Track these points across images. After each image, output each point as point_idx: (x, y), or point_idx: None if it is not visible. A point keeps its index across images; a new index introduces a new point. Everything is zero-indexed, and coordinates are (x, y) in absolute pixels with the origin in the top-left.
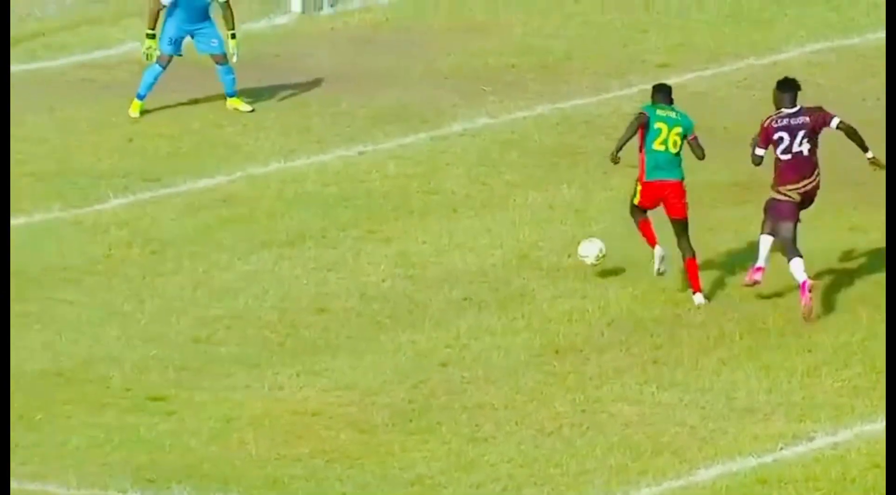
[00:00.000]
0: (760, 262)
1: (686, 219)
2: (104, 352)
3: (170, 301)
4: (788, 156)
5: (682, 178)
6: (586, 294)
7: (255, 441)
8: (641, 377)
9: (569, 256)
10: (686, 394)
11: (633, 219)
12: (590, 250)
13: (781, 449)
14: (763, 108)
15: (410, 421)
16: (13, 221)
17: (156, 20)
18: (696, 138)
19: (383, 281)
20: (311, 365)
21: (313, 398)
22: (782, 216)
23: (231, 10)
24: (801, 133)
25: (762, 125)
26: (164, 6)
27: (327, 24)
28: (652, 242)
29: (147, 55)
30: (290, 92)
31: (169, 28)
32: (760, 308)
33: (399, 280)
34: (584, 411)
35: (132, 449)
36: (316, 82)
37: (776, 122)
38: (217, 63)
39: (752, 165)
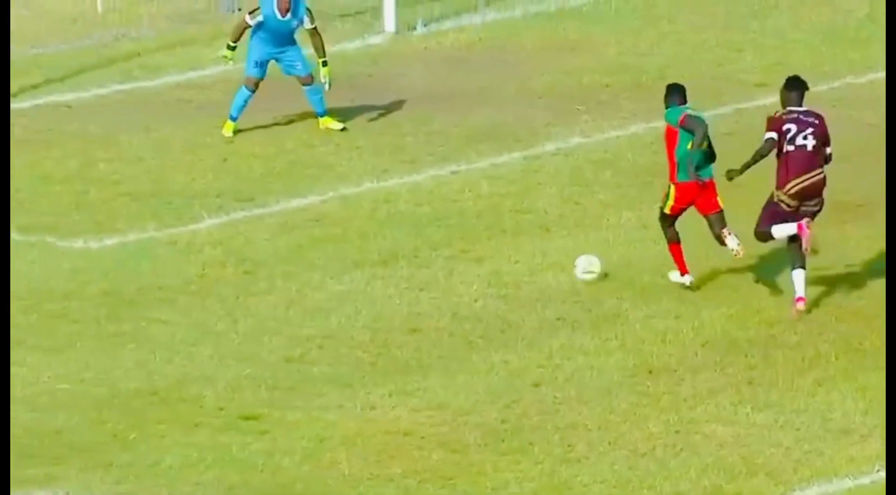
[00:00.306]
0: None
1: (722, 210)
2: (198, 372)
3: (263, 320)
4: (792, 148)
5: (712, 175)
6: (680, 314)
7: (348, 461)
8: (736, 397)
9: (662, 276)
10: (781, 415)
11: (664, 234)
12: (593, 265)
13: (878, 470)
14: (860, 127)
15: (503, 441)
16: (108, 241)
17: (239, 36)
18: (687, 116)
19: (476, 300)
20: (403, 384)
21: (405, 418)
22: (780, 220)
23: (320, 36)
24: (809, 130)
25: (770, 117)
26: (251, 25)
27: (420, 43)
28: (684, 270)
29: (223, 57)
30: (383, 111)
31: (254, 51)
32: (856, 328)
33: (492, 299)
34: (677, 432)
35: (225, 468)
36: (409, 102)
37: (786, 115)
38: (303, 85)
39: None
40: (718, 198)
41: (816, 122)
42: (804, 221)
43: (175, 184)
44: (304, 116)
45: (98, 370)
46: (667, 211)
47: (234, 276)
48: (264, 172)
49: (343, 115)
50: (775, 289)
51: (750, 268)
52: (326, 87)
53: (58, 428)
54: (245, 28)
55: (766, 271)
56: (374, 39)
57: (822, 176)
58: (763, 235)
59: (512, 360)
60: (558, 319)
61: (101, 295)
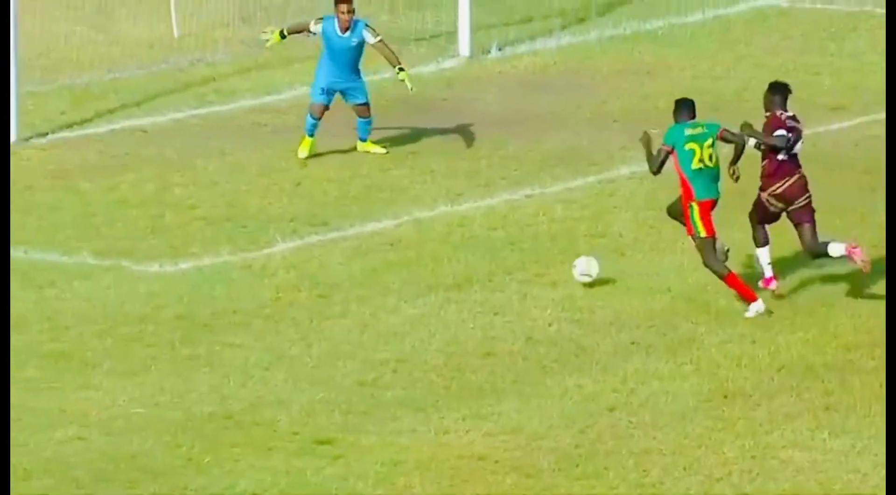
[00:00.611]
0: (769, 273)
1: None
2: (272, 396)
3: (337, 344)
4: (785, 157)
5: (718, 196)
6: (756, 338)
7: (421, 485)
8: (813, 423)
9: (738, 300)
10: (859, 441)
11: (712, 267)
12: (592, 268)
13: None
14: None
15: (577, 466)
16: (183, 265)
17: (296, 32)
18: (724, 130)
19: (550, 324)
20: (477, 408)
21: (479, 442)
22: (770, 219)
23: (388, 47)
24: (796, 136)
25: (771, 117)
26: (311, 32)
27: (495, 67)
28: (752, 297)
29: (263, 38)
30: (457, 135)
31: (320, 77)
32: None
33: (566, 323)
34: (753, 457)
35: (299, 492)
36: (483, 126)
37: (788, 121)
38: (358, 115)
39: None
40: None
41: (800, 126)
42: (850, 245)
43: (249, 209)
44: (379, 141)
45: (173, 394)
46: (704, 235)
47: (308, 300)
48: (339, 196)
49: (417, 138)
50: (852, 314)
51: (827, 293)
52: (411, 89)
53: (133, 452)
54: (304, 30)
55: (843, 295)
56: (449, 63)
57: (803, 178)
58: (760, 240)
59: (586, 385)
60: (633, 343)
61: (176, 319)
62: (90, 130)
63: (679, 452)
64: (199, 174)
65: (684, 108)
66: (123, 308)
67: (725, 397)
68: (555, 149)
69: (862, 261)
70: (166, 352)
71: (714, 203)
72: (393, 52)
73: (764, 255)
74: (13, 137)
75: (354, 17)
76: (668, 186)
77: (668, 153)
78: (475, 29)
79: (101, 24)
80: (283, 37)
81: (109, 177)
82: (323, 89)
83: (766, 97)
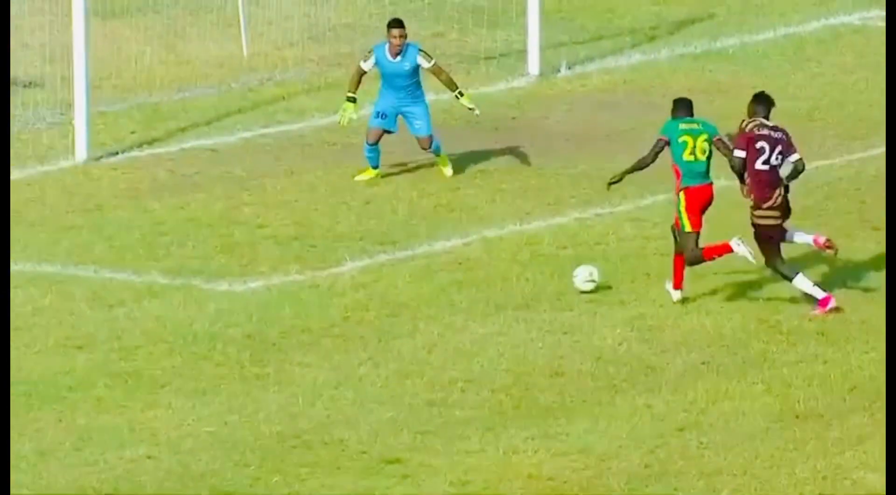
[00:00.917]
0: (821, 293)
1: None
2: (340, 415)
3: (405, 363)
4: (767, 168)
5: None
6: (827, 358)
7: None
8: (885, 444)
9: (809, 320)
10: None
11: (692, 254)
12: (594, 275)
13: None
14: None
15: (646, 486)
16: (252, 284)
17: (357, 85)
18: (720, 139)
19: (619, 344)
20: (545, 428)
21: (548, 462)
22: (779, 239)
23: (445, 72)
24: (779, 147)
25: (742, 129)
26: (366, 71)
27: (565, 86)
28: (677, 285)
29: (341, 118)
30: (526, 154)
31: (379, 102)
32: None
33: (635, 343)
34: (825, 478)
35: None
36: (553, 144)
37: (758, 129)
38: (422, 147)
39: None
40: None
41: (784, 137)
42: (820, 238)
43: (318, 228)
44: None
45: (241, 413)
46: (689, 230)
47: (376, 320)
48: (408, 215)
49: (486, 157)
50: None
51: None
52: (476, 111)
53: (201, 471)
54: (361, 75)
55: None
56: (519, 82)
57: (785, 193)
58: (774, 262)
59: (656, 405)
60: (703, 363)
61: (245, 338)
62: (160, 150)
63: (750, 473)
64: (269, 193)
65: (682, 106)
66: (192, 327)
67: (797, 417)
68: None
69: (827, 246)
70: (235, 371)
71: (702, 192)
72: (449, 77)
73: (803, 282)
74: (84, 156)
75: (406, 42)
76: (740, 205)
77: (665, 144)
78: (545, 47)
79: (172, 44)
80: (353, 100)
81: (179, 197)
82: (379, 113)
83: (749, 108)
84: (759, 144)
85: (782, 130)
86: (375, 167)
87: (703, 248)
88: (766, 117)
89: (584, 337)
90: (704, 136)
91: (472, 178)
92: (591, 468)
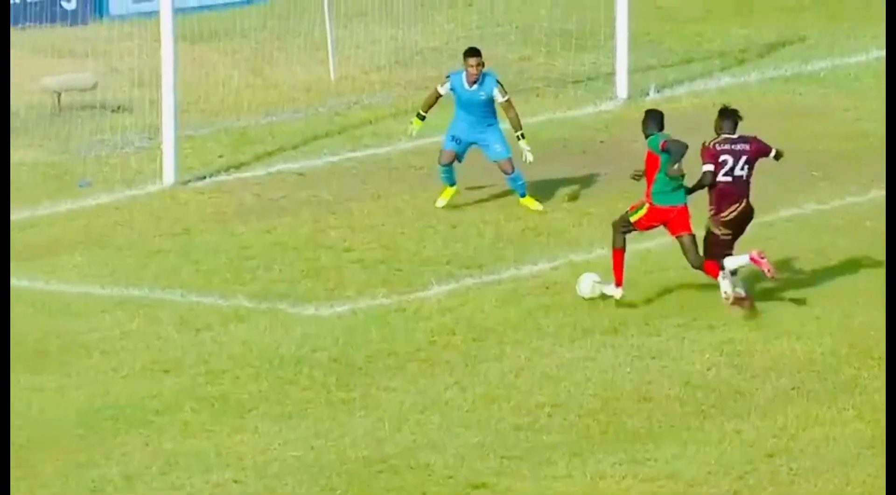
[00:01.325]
0: (741, 291)
1: (692, 232)
2: (426, 440)
3: (492, 388)
4: (729, 179)
5: (686, 203)
6: None
7: None
8: None
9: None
10: None
11: (613, 238)
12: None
13: None
14: None
15: None
16: (338, 308)
17: (430, 106)
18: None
19: (708, 369)
20: (633, 453)
21: (636, 488)
22: (725, 250)
23: (513, 109)
24: (743, 158)
25: (705, 146)
26: (441, 95)
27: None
28: (619, 281)
29: (407, 131)
30: (614, 178)
31: (453, 126)
32: None
33: (724, 368)
34: None
35: None
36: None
37: (720, 144)
38: (503, 172)
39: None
40: (690, 223)
41: (749, 147)
42: (755, 253)
43: (405, 251)
44: (535, 183)
45: (328, 437)
46: (632, 219)
47: (463, 344)
48: (494, 239)
49: (573, 181)
50: None
51: None
52: (529, 158)
53: None
54: (437, 97)
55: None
56: (607, 105)
57: (749, 205)
58: (711, 266)
59: (745, 430)
60: (793, 388)
61: (331, 362)
62: (247, 174)
63: None
64: (355, 217)
65: (653, 119)
66: (279, 351)
67: None
68: None
69: (768, 269)
70: (321, 395)
71: (663, 214)
72: (518, 116)
73: (726, 282)
74: (171, 180)
75: (483, 71)
76: (830, 229)
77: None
78: (633, 70)
79: (259, 68)
80: (422, 118)
81: (266, 220)
82: (453, 137)
83: (715, 122)
84: (722, 158)
85: (749, 140)
86: (452, 184)
87: (617, 250)
88: (732, 131)
89: (672, 361)
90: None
91: (560, 202)
92: (680, 494)
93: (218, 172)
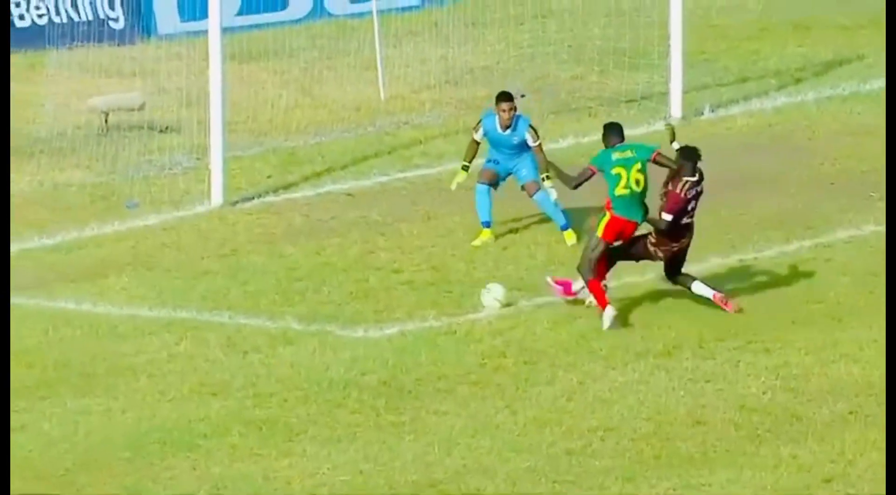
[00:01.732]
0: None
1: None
2: (476, 464)
3: (543, 412)
4: (689, 220)
5: (642, 221)
6: None
7: None
8: None
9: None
10: None
11: (582, 267)
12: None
13: None
14: None
15: None
16: (387, 330)
17: (472, 155)
18: (659, 154)
19: (763, 392)
20: (687, 478)
21: None
22: (638, 254)
23: (543, 154)
24: (700, 198)
25: (677, 193)
26: (479, 142)
27: (708, 129)
28: (602, 304)
29: (453, 183)
30: None
31: (491, 151)
32: None
33: (780, 392)
34: None
35: None
36: None
37: (689, 192)
38: (529, 195)
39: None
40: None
41: (702, 187)
42: (719, 296)
43: (455, 273)
44: (586, 207)
45: (377, 461)
46: (599, 235)
47: (514, 367)
48: (546, 260)
49: None
50: None
51: None
52: (553, 195)
53: None
54: (476, 145)
55: None
56: (661, 125)
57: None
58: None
59: (801, 455)
60: (850, 413)
61: (380, 385)
62: (296, 194)
63: None
64: (405, 238)
65: (613, 132)
66: (328, 373)
67: None
68: (769, 213)
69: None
70: (370, 418)
71: (628, 226)
72: (545, 160)
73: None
74: (219, 201)
75: (517, 114)
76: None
77: (592, 173)
78: (687, 90)
79: (308, 88)
80: (466, 169)
81: (314, 241)
82: (492, 160)
83: (676, 160)
84: (690, 206)
85: (702, 177)
86: (487, 223)
87: (593, 280)
88: (693, 174)
89: (726, 385)
90: (638, 165)
91: None
92: None
93: (266, 193)
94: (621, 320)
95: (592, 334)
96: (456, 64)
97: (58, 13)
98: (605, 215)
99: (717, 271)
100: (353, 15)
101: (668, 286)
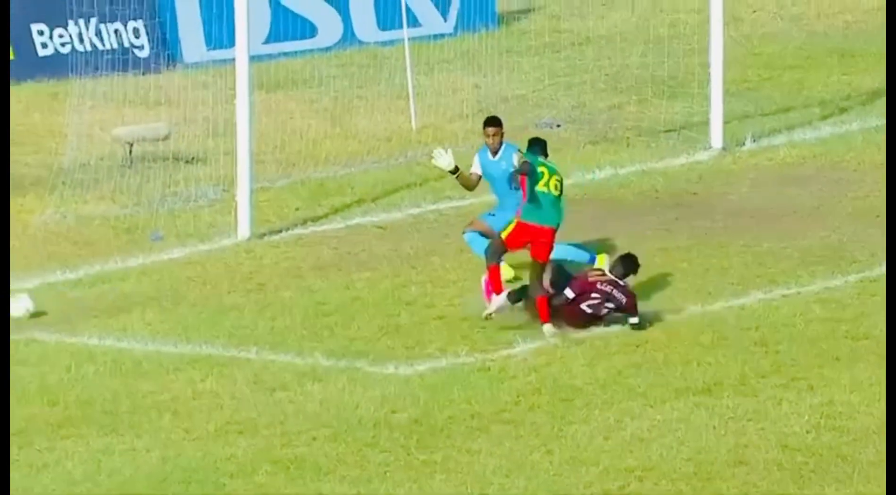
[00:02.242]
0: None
1: (546, 262)
2: None
3: (579, 451)
4: (586, 310)
5: (557, 226)
6: None
7: None
8: None
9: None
10: None
11: (489, 258)
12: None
13: None
14: None
15: None
16: (419, 367)
17: (472, 187)
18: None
19: (807, 432)
20: None
21: None
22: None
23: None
24: (610, 306)
25: (577, 277)
26: (480, 175)
27: (750, 160)
28: (498, 290)
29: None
30: (708, 231)
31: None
32: None
33: (825, 431)
34: None
35: None
36: (736, 221)
37: (602, 283)
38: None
39: None
40: (549, 253)
41: (624, 300)
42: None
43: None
44: (624, 236)
45: None
46: (503, 236)
47: (549, 404)
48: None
49: (666, 234)
50: None
51: None
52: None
53: None
54: (477, 178)
55: None
56: (701, 156)
57: None
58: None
59: None
60: None
61: (412, 423)
62: (325, 227)
63: None
64: (437, 271)
65: (538, 145)
66: (357, 411)
67: None
68: (813, 246)
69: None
70: (401, 457)
71: (533, 233)
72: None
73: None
74: (246, 234)
75: (504, 141)
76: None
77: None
78: (728, 119)
79: (337, 117)
80: (454, 172)
81: (344, 275)
82: (491, 213)
83: (613, 262)
84: (593, 295)
85: (628, 295)
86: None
87: (493, 265)
88: (622, 277)
89: (769, 424)
90: (557, 176)
91: (652, 256)
92: None
93: (295, 225)
94: (660, 357)
95: (630, 371)
96: (490, 93)
97: (81, 41)
98: (511, 221)
99: (759, 307)
100: (383, 43)
101: (709, 321)
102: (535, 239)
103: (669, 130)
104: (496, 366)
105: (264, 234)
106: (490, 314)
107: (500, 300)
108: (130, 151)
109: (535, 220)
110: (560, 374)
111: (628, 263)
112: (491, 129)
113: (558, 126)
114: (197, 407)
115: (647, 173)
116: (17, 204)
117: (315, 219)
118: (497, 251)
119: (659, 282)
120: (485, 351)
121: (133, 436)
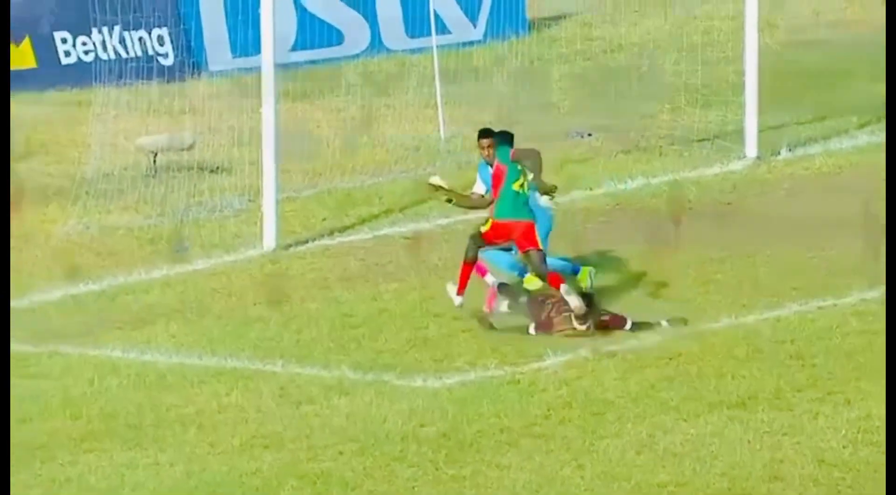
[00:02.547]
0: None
1: (538, 248)
2: None
3: (611, 466)
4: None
5: (534, 221)
6: None
7: None
8: None
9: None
10: None
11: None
12: None
13: None
14: None
15: None
16: (447, 380)
17: (482, 206)
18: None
19: (844, 446)
20: None
21: None
22: None
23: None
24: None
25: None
26: (482, 194)
27: (785, 169)
28: (461, 290)
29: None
30: (742, 242)
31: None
32: None
33: (862, 446)
34: None
35: None
36: (771, 231)
37: (560, 307)
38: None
39: None
40: (537, 239)
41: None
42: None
43: (518, 320)
44: (656, 248)
45: None
46: (482, 229)
47: (580, 418)
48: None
49: (699, 245)
50: None
51: None
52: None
53: None
54: (479, 197)
55: None
56: (735, 165)
57: None
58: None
59: None
60: None
61: (440, 437)
62: (352, 237)
63: None
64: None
65: (505, 141)
66: (385, 425)
67: None
68: (850, 257)
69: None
70: (429, 472)
71: (507, 229)
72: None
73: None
74: (272, 245)
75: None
76: None
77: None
78: (763, 128)
79: (365, 126)
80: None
81: (371, 287)
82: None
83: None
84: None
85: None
86: (521, 274)
87: (469, 264)
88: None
89: (805, 438)
90: (526, 178)
91: (685, 268)
92: None
93: (321, 236)
94: (693, 371)
95: (662, 384)
96: (518, 100)
97: (105, 49)
98: (487, 221)
99: (795, 319)
100: (411, 50)
101: (743, 333)
102: (516, 235)
103: (703, 139)
104: (526, 379)
105: (290, 245)
106: (461, 305)
107: (457, 300)
108: (154, 161)
109: (509, 217)
110: (591, 387)
111: (589, 300)
112: (484, 141)
113: (589, 135)
114: (222, 421)
115: (680, 183)
116: (40, 214)
117: (342, 230)
118: (473, 247)
119: (692, 294)
120: (514, 363)
121: (157, 450)
